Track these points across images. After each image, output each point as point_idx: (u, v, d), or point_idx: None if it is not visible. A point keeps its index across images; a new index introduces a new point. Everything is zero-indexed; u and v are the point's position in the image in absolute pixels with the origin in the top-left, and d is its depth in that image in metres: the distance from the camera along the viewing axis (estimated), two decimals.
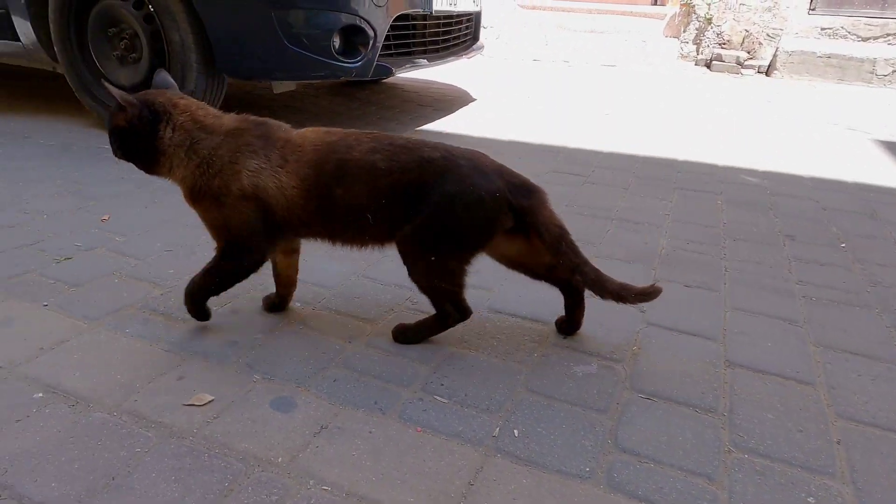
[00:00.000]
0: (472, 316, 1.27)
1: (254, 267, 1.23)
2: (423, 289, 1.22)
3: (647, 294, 1.19)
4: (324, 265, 1.62)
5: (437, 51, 3.48)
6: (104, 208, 2.00)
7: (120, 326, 1.30)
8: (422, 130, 3.28)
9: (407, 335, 1.27)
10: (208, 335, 1.28)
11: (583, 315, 1.31)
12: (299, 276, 1.40)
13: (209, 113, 1.20)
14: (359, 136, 1.18)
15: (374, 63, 2.85)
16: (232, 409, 1.06)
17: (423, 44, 3.34)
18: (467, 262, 1.20)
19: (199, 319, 1.29)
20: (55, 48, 2.94)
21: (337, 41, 2.72)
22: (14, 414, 1.04)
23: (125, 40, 2.84)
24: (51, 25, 2.89)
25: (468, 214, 1.12)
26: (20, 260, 1.59)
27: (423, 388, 1.13)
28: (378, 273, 1.60)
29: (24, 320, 1.31)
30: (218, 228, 1.20)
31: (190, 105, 1.19)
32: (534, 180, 1.24)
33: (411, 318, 1.36)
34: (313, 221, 1.18)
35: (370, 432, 1.01)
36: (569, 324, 1.32)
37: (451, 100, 4.13)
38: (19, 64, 3.30)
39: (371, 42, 2.80)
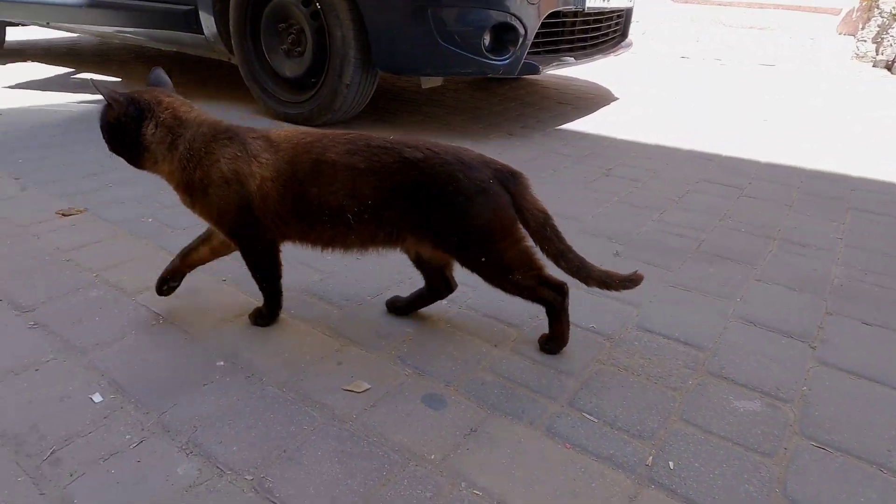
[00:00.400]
0: (568, 291, 1.23)
1: (269, 246, 1.24)
2: (509, 291, 1.21)
3: (631, 281, 1.19)
4: None
5: (584, 48, 3.39)
6: None
7: (285, 307, 1.41)
8: (561, 129, 3.22)
9: (550, 344, 1.26)
10: (362, 325, 1.36)
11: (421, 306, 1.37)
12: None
13: (192, 110, 1.23)
14: (335, 137, 1.17)
15: (522, 61, 2.84)
16: (387, 399, 1.11)
17: (572, 41, 3.27)
18: (518, 242, 1.16)
19: (271, 314, 1.33)
20: (232, 41, 3.24)
21: (487, 39, 2.74)
22: (202, 378, 1.17)
23: (292, 35, 3.06)
24: (230, 20, 3.18)
25: (480, 206, 1.11)
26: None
27: (570, 403, 1.11)
28: None
29: (207, 292, 1.47)
30: (216, 221, 1.23)
31: (174, 102, 1.22)
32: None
33: None
34: (291, 220, 1.18)
35: (519, 442, 1.02)
36: (407, 307, 1.38)
37: (593, 98, 4.01)
38: (199, 54, 3.68)
39: (521, 40, 2.78)
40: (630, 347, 1.30)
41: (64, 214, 1.87)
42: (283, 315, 1.37)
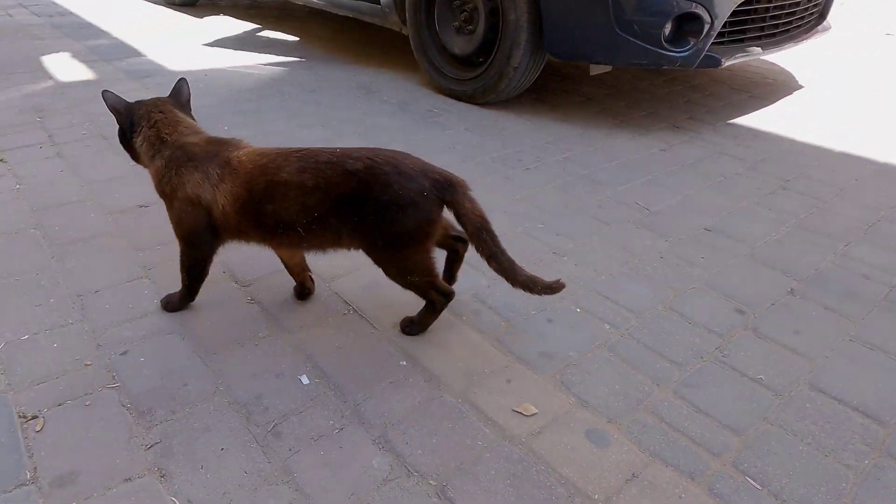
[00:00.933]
0: (454, 298, 1.42)
1: (198, 263, 1.43)
2: (403, 286, 1.38)
3: (551, 288, 1.32)
4: (631, 285, 1.67)
5: (773, 36, 3.09)
6: None
7: (458, 311, 1.53)
8: (734, 125, 3.01)
9: (413, 328, 1.44)
10: (528, 342, 1.45)
11: (458, 270, 1.53)
12: (607, 293, 1.48)
13: (174, 129, 1.39)
14: (288, 156, 1.28)
15: (703, 53, 2.67)
16: (552, 427, 1.20)
17: (760, 28, 3.00)
18: (426, 254, 1.32)
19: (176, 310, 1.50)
20: (406, 13, 3.36)
21: (668, 29, 2.61)
22: (388, 374, 1.33)
23: (465, 13, 3.10)
24: None
25: (407, 216, 1.24)
26: None
27: (733, 464, 1.13)
28: (687, 307, 1.59)
29: (386, 286, 1.63)
30: (175, 227, 1.41)
31: (161, 121, 1.39)
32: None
33: (720, 374, 1.35)
34: (249, 232, 1.36)
35: (679, 497, 1.06)
36: (449, 277, 1.53)
37: (772, 85, 3.67)
38: (373, 22, 3.84)
39: (705, 30, 2.61)
40: (801, 409, 1.27)
41: None
42: (456, 320, 1.50)
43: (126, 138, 1.44)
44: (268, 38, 4.48)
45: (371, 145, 2.54)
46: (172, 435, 1.17)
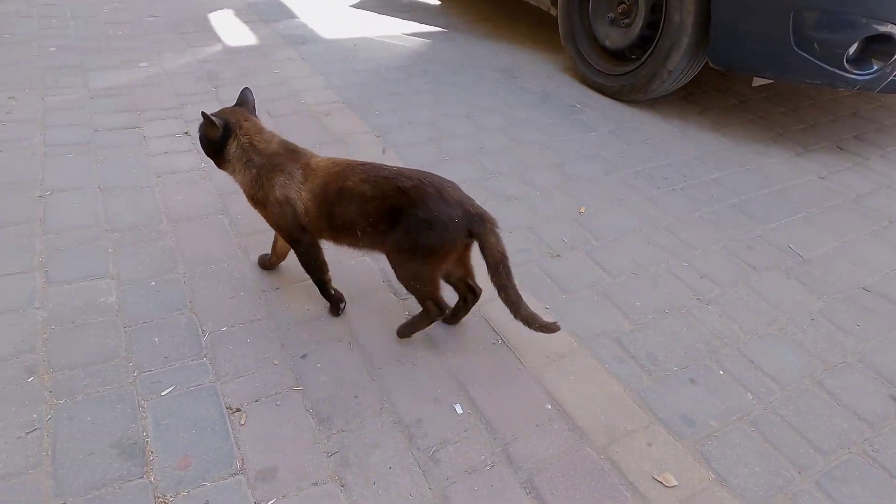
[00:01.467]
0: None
1: (309, 250, 1.61)
2: (407, 288, 1.56)
3: (547, 328, 1.50)
4: (777, 350, 1.66)
5: None
6: (581, 192, 2.33)
7: (600, 356, 1.60)
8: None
9: (405, 329, 1.60)
10: (669, 401, 1.50)
11: (464, 315, 1.66)
12: (752, 355, 1.48)
13: (263, 138, 1.58)
14: (354, 168, 1.50)
15: (890, 78, 2.43)
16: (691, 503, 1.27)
17: None
18: (436, 269, 1.49)
19: (329, 301, 1.70)
20: None
21: (853, 50, 2.39)
22: (534, 417, 1.44)
23: (623, 5, 2.98)
24: None
25: (432, 233, 1.41)
26: (528, 243, 2.03)
27: None
28: (836, 385, 1.57)
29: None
30: (274, 227, 1.62)
31: (251, 129, 1.58)
32: None
33: (867, 471, 1.34)
34: (323, 229, 1.55)
35: None
36: (453, 317, 1.66)
37: None
38: (520, 0, 3.77)
39: None
40: None
41: None
42: (598, 365, 1.58)
43: (217, 146, 1.59)
44: (411, 2, 4.51)
45: (514, 143, 2.61)
46: (348, 446, 1.35)
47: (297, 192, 1.52)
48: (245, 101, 1.68)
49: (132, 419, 1.36)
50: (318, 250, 1.63)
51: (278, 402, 1.44)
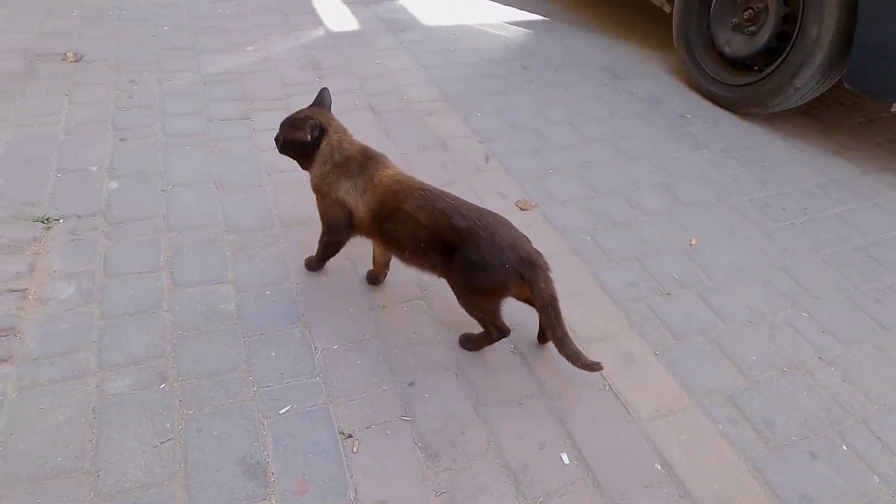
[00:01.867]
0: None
1: (334, 245, 1.79)
2: (470, 314, 1.61)
3: (590, 366, 1.53)
4: None
5: None
6: (692, 219, 2.22)
7: (713, 415, 1.55)
8: None
9: (468, 344, 1.68)
10: (787, 476, 1.43)
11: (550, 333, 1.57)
12: (880, 431, 1.39)
13: (348, 139, 1.69)
14: (414, 191, 1.56)
15: None
16: None
17: None
18: (494, 304, 1.56)
19: (312, 270, 1.88)
20: None
21: None
22: (642, 476, 1.41)
23: (750, 11, 2.77)
24: None
25: (486, 277, 1.49)
26: (635, 276, 1.96)
27: None
28: None
29: (644, 365, 1.68)
30: (321, 215, 1.74)
31: (339, 128, 1.71)
32: None
33: None
34: (373, 235, 1.68)
35: None
36: (540, 338, 1.72)
37: None
38: None
39: None
40: None
41: (521, 208, 2.21)
42: (711, 426, 1.53)
43: (307, 147, 1.68)
44: None
45: (619, 156, 2.51)
46: (456, 487, 1.37)
47: (356, 201, 1.63)
48: (322, 101, 1.79)
49: (254, 437, 1.42)
50: (343, 245, 1.80)
51: (388, 432, 1.47)
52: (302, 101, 2.77)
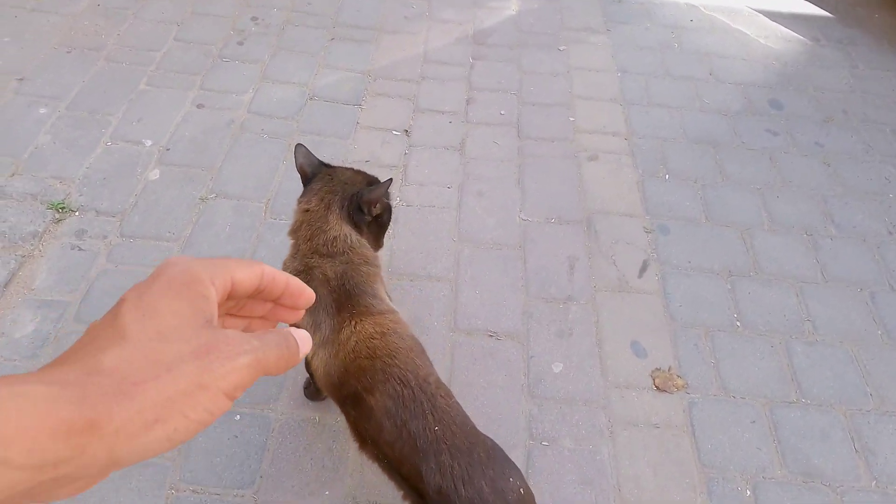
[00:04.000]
0: None
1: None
2: None
3: None
4: None
5: None
6: None
7: None
8: None
9: None
10: None
11: None
12: None
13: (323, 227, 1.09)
14: (389, 376, 0.95)
15: None
16: None
17: None
18: None
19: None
20: None
21: None
22: None
23: None
24: None
25: None
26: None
27: None
28: None
29: None
30: None
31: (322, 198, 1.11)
32: None
33: None
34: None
35: None
36: None
37: None
38: None
39: None
40: None
41: (658, 387, 1.39)
42: None
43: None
44: None
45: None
46: None
47: (312, 352, 1.03)
48: (309, 174, 1.15)
49: None
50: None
51: None
52: (434, 90, 2.10)
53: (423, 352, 1.03)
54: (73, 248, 1.53)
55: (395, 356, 0.98)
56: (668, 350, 1.46)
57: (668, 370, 1.42)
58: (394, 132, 1.92)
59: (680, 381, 1.40)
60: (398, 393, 0.96)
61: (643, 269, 1.62)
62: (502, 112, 2.02)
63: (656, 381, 1.39)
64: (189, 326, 0.28)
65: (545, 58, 2.25)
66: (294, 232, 1.10)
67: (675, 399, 1.37)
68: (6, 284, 1.45)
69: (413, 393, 0.96)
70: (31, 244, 1.53)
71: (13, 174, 1.67)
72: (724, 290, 1.59)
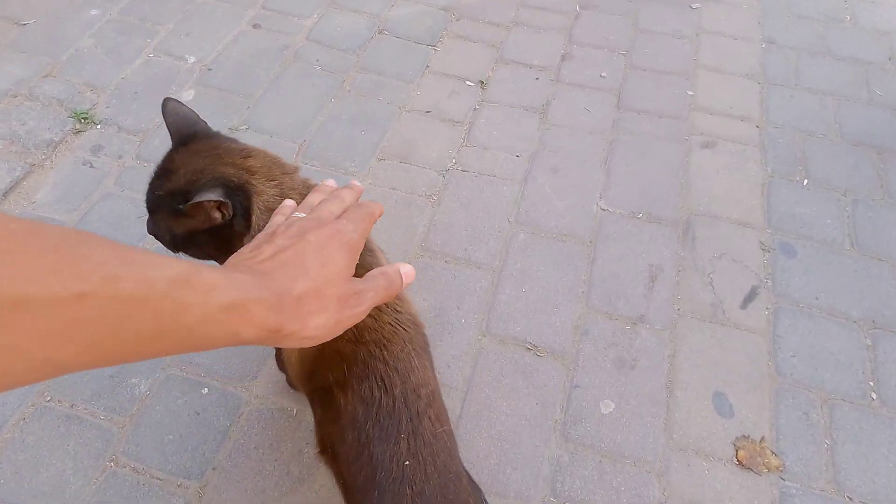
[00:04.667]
0: None
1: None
2: None
3: None
4: None
5: None
6: None
7: None
8: None
9: None
10: None
11: None
12: None
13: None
14: (370, 372, 0.70)
15: None
16: None
17: None
18: None
19: None
20: None
21: None
22: None
23: None
24: None
25: None
26: None
27: None
28: None
29: None
30: None
31: (268, 175, 0.77)
32: None
33: None
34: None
35: None
36: None
37: None
38: None
39: None
40: None
41: (742, 462, 1.02)
42: None
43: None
44: None
45: None
46: None
47: None
48: (180, 128, 0.77)
49: None
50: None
51: None
52: (526, 38, 1.71)
53: (425, 348, 0.75)
54: (84, 164, 1.38)
55: (385, 346, 0.71)
56: (764, 414, 1.08)
57: (760, 442, 1.04)
58: (467, 82, 1.61)
59: (774, 461, 1.02)
60: (374, 399, 0.70)
61: (750, 297, 1.22)
62: (603, 74, 1.65)
63: (740, 453, 1.03)
64: (341, 277, 0.43)
65: (670, 14, 1.82)
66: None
67: (762, 483, 1.00)
68: (7, 192, 1.32)
69: (393, 404, 0.70)
70: (44, 153, 1.39)
71: (46, 75, 1.53)
72: (862, 346, 1.17)
